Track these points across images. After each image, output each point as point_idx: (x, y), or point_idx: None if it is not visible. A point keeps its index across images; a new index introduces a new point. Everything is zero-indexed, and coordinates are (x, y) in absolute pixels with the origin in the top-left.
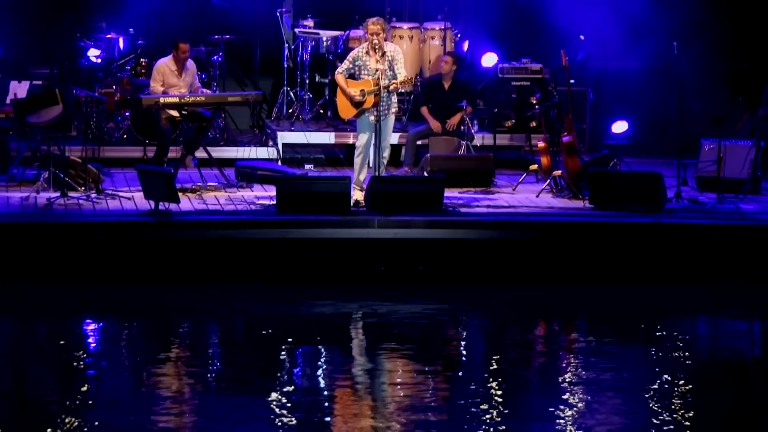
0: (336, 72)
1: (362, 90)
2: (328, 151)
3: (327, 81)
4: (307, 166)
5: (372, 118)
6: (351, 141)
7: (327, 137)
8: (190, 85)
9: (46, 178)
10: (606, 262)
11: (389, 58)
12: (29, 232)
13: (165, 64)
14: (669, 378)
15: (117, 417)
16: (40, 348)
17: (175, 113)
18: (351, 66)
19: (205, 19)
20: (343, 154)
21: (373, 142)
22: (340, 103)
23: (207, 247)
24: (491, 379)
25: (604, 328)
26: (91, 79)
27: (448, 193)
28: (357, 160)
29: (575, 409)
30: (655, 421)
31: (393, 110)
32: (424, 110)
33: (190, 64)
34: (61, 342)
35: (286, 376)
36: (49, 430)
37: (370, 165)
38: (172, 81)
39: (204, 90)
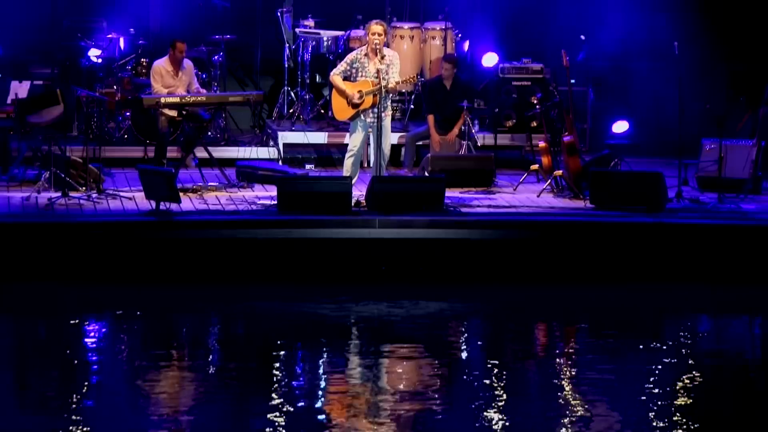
0: (332, 73)
1: (360, 91)
2: (329, 151)
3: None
4: (308, 166)
5: (369, 119)
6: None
7: (328, 137)
8: (188, 84)
9: (47, 177)
10: (607, 262)
11: (388, 62)
12: (30, 232)
13: (161, 65)
14: (669, 378)
15: (117, 417)
16: (41, 348)
17: (173, 114)
18: (348, 68)
19: (205, 19)
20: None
21: (370, 143)
22: (335, 104)
23: (208, 247)
24: (491, 380)
25: (604, 328)
26: (91, 79)
27: (449, 193)
28: (348, 162)
29: (575, 408)
30: (655, 421)
31: (389, 112)
32: (431, 120)
33: (187, 63)
34: (62, 342)
35: (286, 376)
36: (49, 430)
37: (371, 165)
38: (168, 81)
39: (202, 90)
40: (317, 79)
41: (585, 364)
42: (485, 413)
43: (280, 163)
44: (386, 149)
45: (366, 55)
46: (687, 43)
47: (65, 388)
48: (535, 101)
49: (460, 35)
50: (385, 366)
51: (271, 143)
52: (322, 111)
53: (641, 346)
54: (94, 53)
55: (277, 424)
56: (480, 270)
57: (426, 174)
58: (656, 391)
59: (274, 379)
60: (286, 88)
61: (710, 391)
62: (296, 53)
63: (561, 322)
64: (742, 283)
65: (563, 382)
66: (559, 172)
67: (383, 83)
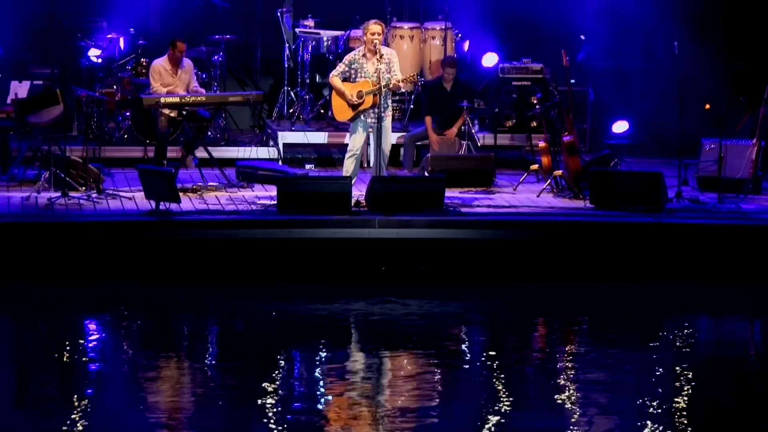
0: (331, 74)
1: (360, 91)
2: (329, 151)
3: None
4: (308, 166)
5: (369, 120)
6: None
7: (328, 137)
8: (187, 84)
9: (47, 177)
10: (607, 262)
11: (386, 60)
12: (30, 232)
13: (160, 64)
14: (669, 378)
15: (116, 417)
16: (41, 348)
17: (173, 113)
18: (347, 69)
19: (205, 19)
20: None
21: (370, 143)
22: (335, 105)
23: (208, 247)
24: (491, 380)
25: (604, 327)
26: (91, 78)
27: (449, 192)
28: (348, 162)
29: (575, 409)
30: (654, 421)
31: (389, 112)
32: (428, 121)
33: (187, 62)
34: (61, 342)
35: (285, 376)
36: (49, 429)
37: (371, 165)
38: (167, 80)
39: (200, 89)
40: (317, 79)
41: (585, 364)
42: (485, 414)
43: (280, 163)
44: (386, 149)
45: (364, 55)
46: (687, 43)
47: (65, 387)
48: (535, 101)
49: (460, 35)
50: (384, 366)
51: (271, 143)
52: (322, 111)
53: (640, 346)
54: (94, 53)
55: (276, 424)
56: (480, 270)
57: (426, 174)
58: (656, 391)
59: (274, 380)
60: (286, 88)
61: (710, 391)
62: (296, 53)
63: (561, 322)
64: (742, 283)
65: (563, 382)
66: (559, 172)
67: (383, 82)
